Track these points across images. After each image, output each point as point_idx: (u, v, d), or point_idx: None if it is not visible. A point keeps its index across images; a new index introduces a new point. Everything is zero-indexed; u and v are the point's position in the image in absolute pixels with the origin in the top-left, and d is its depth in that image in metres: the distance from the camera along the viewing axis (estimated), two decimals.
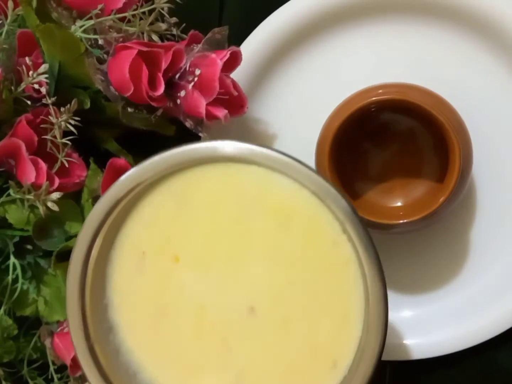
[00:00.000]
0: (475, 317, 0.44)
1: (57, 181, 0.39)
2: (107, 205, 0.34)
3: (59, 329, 0.42)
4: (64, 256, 0.39)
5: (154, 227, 0.34)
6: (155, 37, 0.40)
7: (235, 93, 0.39)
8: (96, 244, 0.34)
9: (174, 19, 0.42)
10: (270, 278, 0.33)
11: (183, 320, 0.34)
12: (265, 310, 0.33)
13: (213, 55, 0.38)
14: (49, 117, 0.38)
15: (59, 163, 0.39)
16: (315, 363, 0.33)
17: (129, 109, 0.40)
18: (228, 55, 0.38)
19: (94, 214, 0.34)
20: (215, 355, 0.34)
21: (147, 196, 0.34)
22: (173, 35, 0.42)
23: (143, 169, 0.34)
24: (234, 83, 0.40)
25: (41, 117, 0.38)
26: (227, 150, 0.33)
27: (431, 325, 0.45)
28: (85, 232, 0.34)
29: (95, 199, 0.39)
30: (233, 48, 0.39)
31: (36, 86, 0.38)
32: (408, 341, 0.45)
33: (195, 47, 0.40)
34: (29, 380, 0.44)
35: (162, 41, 0.41)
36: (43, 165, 0.38)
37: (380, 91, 0.41)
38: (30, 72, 0.38)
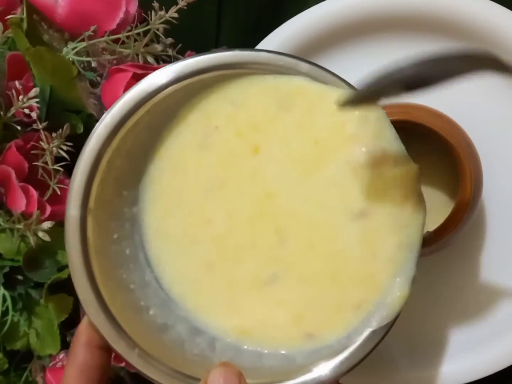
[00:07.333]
0: (485, 349, 0.43)
1: (48, 209, 0.37)
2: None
3: (51, 364, 0.40)
4: (56, 287, 0.38)
5: (241, 109, 0.33)
6: (150, 59, 0.39)
7: None
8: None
9: (169, 40, 0.41)
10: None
11: (241, 200, 0.32)
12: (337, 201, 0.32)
13: None
14: (40, 142, 0.37)
15: (50, 190, 0.38)
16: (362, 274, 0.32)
17: None
18: None
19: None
20: (264, 244, 0.32)
21: (236, 79, 0.33)
22: (169, 56, 0.42)
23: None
24: None
25: (32, 142, 0.37)
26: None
27: (440, 356, 0.44)
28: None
29: None
30: None
31: (26, 110, 0.37)
32: (419, 374, 0.44)
33: None
34: None
35: (158, 62, 0.40)
36: (34, 193, 0.37)
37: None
38: (20, 97, 0.37)
